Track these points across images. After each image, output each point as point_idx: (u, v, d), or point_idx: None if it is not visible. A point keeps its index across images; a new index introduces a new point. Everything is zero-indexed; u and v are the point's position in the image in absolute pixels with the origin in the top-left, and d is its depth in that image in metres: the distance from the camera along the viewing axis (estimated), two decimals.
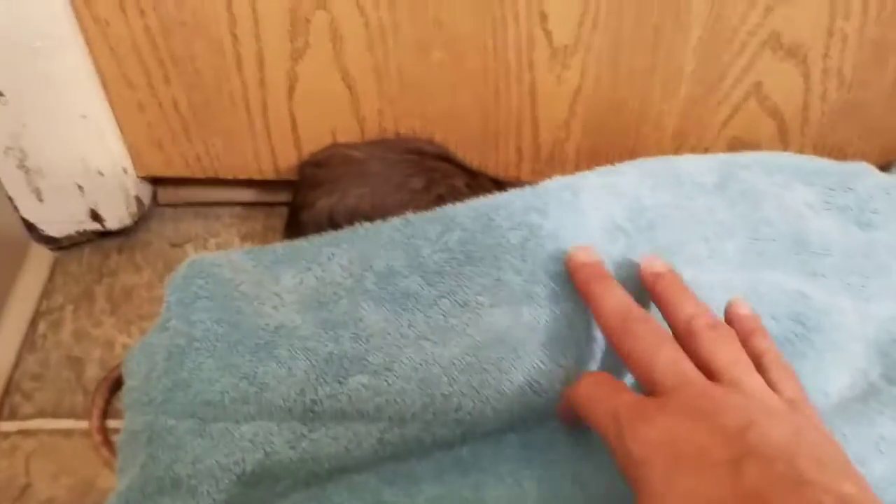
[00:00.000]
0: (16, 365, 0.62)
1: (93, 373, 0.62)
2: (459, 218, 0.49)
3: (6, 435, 0.59)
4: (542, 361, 0.46)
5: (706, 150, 0.67)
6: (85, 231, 0.68)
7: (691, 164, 0.54)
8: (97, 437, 0.58)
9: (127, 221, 0.68)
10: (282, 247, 0.51)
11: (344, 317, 0.48)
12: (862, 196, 0.55)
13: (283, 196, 0.69)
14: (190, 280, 0.50)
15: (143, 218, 0.70)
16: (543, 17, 0.58)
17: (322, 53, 0.60)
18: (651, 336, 0.41)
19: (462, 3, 0.57)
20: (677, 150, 0.67)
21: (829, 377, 0.51)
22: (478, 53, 0.60)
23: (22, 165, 0.63)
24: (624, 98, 0.63)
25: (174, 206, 0.72)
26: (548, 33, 0.59)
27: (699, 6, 0.57)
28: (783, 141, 0.66)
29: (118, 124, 0.64)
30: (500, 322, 0.47)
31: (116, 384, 0.60)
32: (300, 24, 0.58)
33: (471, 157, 0.67)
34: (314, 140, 0.65)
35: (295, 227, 0.64)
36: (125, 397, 0.49)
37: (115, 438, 0.54)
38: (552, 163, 0.67)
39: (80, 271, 0.68)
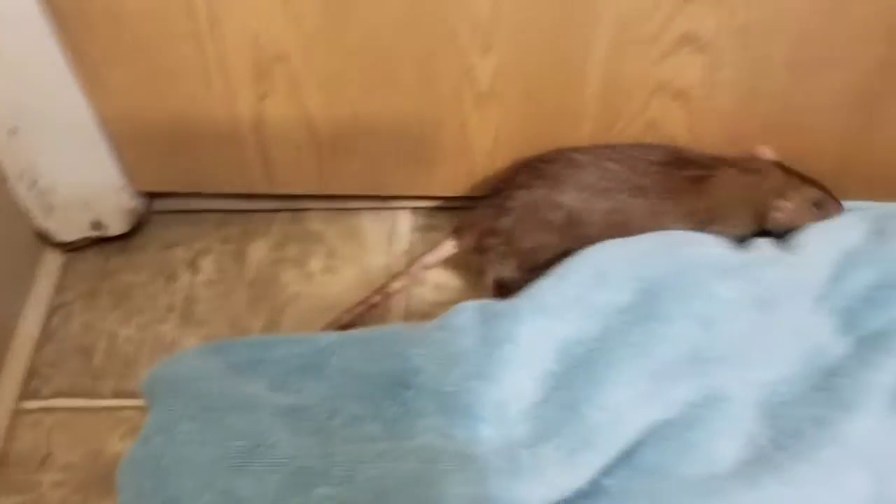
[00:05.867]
0: (35, 353, 0.75)
1: (99, 360, 0.74)
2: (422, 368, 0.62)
3: (30, 412, 0.72)
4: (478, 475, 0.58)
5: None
6: (90, 237, 0.80)
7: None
8: None
9: (125, 228, 0.80)
10: (246, 349, 0.65)
11: (311, 433, 0.59)
12: (765, 284, 0.67)
13: (256, 205, 0.83)
14: (171, 398, 0.61)
15: (139, 224, 0.82)
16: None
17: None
18: None
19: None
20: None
21: (717, 440, 0.62)
22: None
23: (34, 186, 0.75)
24: None
25: (166, 213, 0.84)
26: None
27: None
28: None
29: (118, 152, 0.76)
30: (439, 444, 0.59)
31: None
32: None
33: None
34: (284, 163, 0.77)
35: (503, 201, 0.73)
36: None
37: None
38: None
39: (87, 271, 0.81)
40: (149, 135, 0.75)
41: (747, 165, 0.73)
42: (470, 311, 0.65)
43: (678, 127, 0.73)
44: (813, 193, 0.72)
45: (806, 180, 0.72)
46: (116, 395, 0.73)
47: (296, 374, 0.65)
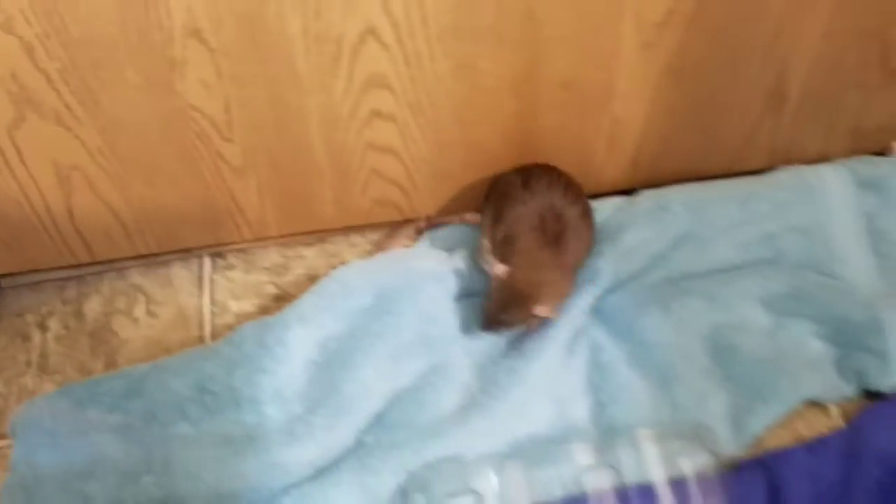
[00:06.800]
0: None
1: None
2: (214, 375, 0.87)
3: None
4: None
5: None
6: None
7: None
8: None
9: None
10: (83, 388, 0.88)
11: (135, 441, 0.83)
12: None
13: (87, 270, 1.03)
14: (27, 435, 0.83)
15: None
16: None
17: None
18: None
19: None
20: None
21: (442, 396, 0.88)
22: None
23: None
24: None
25: (15, 287, 1.04)
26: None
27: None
28: None
29: None
30: (234, 431, 0.84)
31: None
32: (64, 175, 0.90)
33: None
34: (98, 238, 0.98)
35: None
36: None
37: None
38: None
39: None
40: None
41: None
42: (248, 327, 0.89)
43: (396, 171, 0.97)
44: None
45: None
46: None
47: (122, 399, 0.87)
